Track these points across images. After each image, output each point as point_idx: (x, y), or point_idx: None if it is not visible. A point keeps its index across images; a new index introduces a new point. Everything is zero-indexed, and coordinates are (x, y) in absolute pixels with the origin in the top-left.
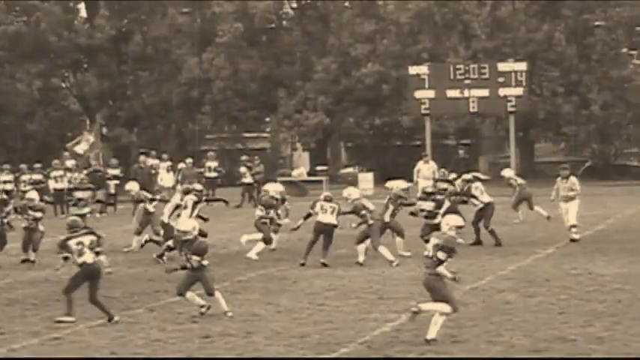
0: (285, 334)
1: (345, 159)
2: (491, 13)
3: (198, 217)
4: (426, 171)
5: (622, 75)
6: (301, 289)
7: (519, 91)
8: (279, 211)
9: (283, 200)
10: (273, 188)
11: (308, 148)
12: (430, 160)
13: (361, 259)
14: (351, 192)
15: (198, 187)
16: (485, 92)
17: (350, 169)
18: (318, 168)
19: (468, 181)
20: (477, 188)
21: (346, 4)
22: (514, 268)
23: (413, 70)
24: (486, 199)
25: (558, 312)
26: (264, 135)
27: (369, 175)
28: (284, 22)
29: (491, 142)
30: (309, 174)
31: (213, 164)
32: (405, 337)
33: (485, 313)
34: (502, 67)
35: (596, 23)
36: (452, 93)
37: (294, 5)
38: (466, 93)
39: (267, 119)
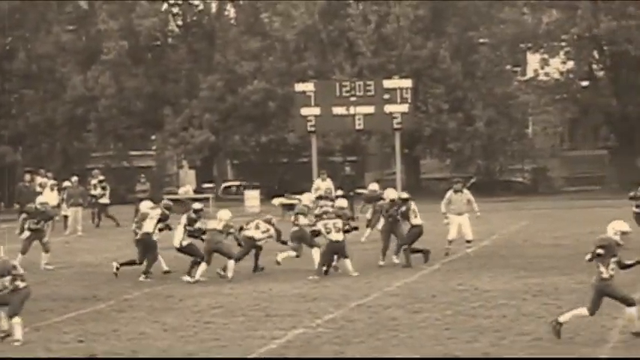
0: (171, 353)
1: (231, 176)
2: (377, 30)
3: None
4: (324, 189)
5: (506, 92)
6: (187, 307)
7: (405, 107)
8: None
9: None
10: (307, 197)
11: (194, 166)
12: (327, 177)
13: (230, 274)
14: (222, 215)
15: (197, 205)
16: (370, 109)
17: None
18: (205, 185)
19: (406, 200)
20: (413, 210)
21: (232, 21)
22: (400, 285)
23: (299, 87)
24: (418, 221)
25: (444, 328)
26: (150, 153)
27: (256, 193)
28: (169, 40)
29: (377, 159)
30: (195, 191)
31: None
32: (292, 354)
33: (372, 330)
34: (387, 84)
35: (481, 41)
36: (338, 110)
37: (180, 23)
38: (352, 110)
39: (153, 137)
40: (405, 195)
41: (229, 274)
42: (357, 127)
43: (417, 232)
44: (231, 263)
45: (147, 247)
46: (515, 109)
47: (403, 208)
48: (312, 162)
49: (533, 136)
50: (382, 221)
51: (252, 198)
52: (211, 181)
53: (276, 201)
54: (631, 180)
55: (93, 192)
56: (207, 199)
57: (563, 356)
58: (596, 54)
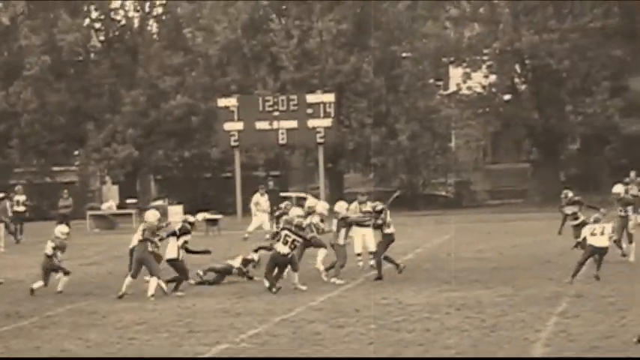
0: None
1: (154, 191)
2: (299, 45)
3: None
4: (264, 203)
5: (429, 105)
6: (111, 323)
7: (328, 122)
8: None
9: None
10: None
11: (117, 181)
12: (265, 192)
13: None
14: (146, 216)
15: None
16: (294, 124)
17: (160, 202)
18: (128, 201)
19: (381, 211)
20: (387, 221)
21: (154, 36)
22: (324, 299)
23: (222, 102)
24: (391, 230)
25: (368, 342)
26: (73, 168)
27: (179, 208)
28: (92, 55)
29: (301, 174)
30: (118, 207)
31: (22, 198)
32: None
33: (296, 345)
34: (310, 98)
35: (403, 55)
36: (261, 125)
37: (102, 38)
38: (275, 125)
39: (76, 152)
40: (380, 206)
41: (150, 291)
42: (281, 142)
43: (388, 240)
44: (153, 280)
45: (175, 266)
46: (438, 123)
47: (379, 221)
48: (235, 177)
49: (456, 149)
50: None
51: (176, 213)
52: (135, 196)
53: (200, 216)
54: (554, 193)
55: (16, 208)
56: (130, 214)
57: None
58: (518, 68)
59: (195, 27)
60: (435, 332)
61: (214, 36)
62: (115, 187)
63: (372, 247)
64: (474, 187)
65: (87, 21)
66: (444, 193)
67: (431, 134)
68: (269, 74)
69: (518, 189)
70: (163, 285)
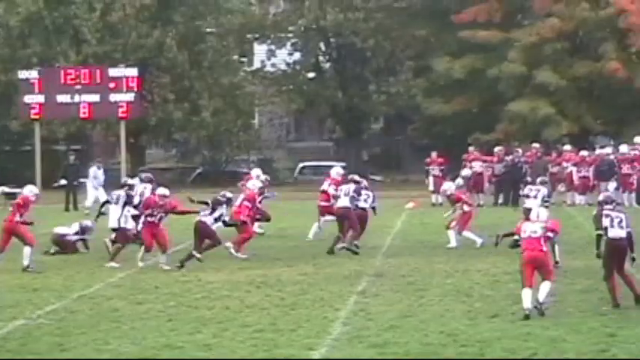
0: None
1: None
2: (102, 18)
3: None
4: (101, 177)
5: (233, 82)
6: None
7: (130, 96)
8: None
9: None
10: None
11: None
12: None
13: None
14: None
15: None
16: (96, 98)
17: None
18: None
19: (358, 182)
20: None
21: None
22: (123, 276)
23: (22, 74)
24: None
25: (167, 319)
26: None
27: None
28: None
29: (102, 148)
30: None
31: None
32: (11, 345)
33: (93, 321)
34: (113, 72)
35: (208, 30)
36: (62, 98)
37: None
38: (77, 98)
39: None
40: (357, 177)
41: None
42: (82, 116)
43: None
44: None
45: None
46: (242, 100)
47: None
48: (35, 150)
49: (259, 127)
50: None
51: None
52: None
53: None
54: (356, 172)
55: None
56: None
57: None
58: (322, 46)
59: None
60: (235, 310)
61: (15, 7)
62: None
63: None
64: (276, 165)
65: None
66: (246, 170)
67: (234, 111)
68: (71, 47)
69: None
70: None
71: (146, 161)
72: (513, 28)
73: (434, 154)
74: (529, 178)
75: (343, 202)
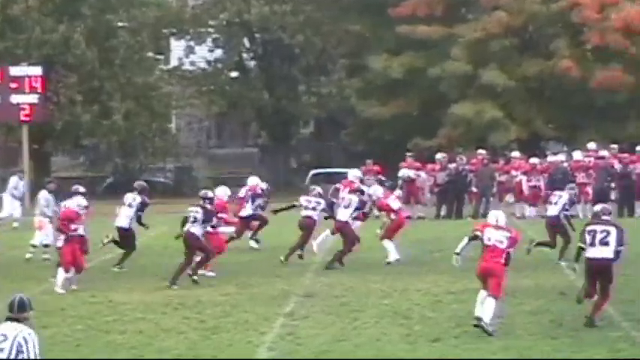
0: None
1: None
2: (2, 11)
3: None
4: (21, 188)
5: (147, 82)
6: None
7: (34, 98)
8: None
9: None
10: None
11: None
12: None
13: None
14: None
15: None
16: None
17: None
18: None
19: None
20: None
21: None
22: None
23: None
24: None
25: (75, 344)
26: None
27: None
28: None
29: (2, 155)
30: None
31: None
32: None
33: None
34: (15, 71)
35: (119, 24)
36: None
37: None
38: None
39: None
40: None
41: None
42: None
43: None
44: None
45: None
46: (158, 102)
47: None
48: None
49: (176, 131)
50: None
51: None
52: None
53: None
54: (283, 181)
55: None
56: None
57: None
58: (246, 42)
59: None
60: (149, 334)
61: None
62: None
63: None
64: (195, 174)
65: None
66: (162, 180)
67: (149, 114)
68: None
69: (243, 176)
70: None
71: (51, 169)
72: (457, 23)
73: (369, 162)
74: (474, 188)
75: (343, 215)
